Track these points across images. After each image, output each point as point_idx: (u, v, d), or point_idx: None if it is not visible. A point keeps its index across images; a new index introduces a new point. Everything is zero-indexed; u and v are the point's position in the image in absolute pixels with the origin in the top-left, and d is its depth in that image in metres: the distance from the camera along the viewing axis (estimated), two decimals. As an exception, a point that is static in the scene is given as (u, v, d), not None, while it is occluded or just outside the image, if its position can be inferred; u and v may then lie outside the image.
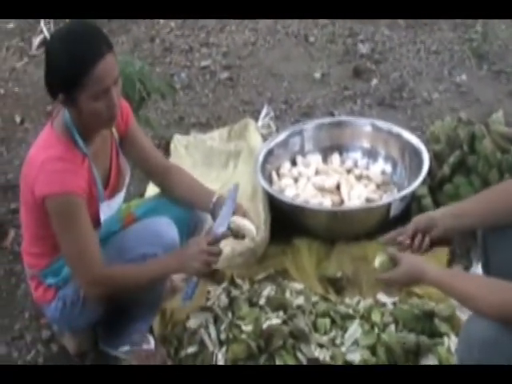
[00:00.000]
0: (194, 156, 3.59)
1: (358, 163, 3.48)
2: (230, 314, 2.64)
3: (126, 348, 2.61)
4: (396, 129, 3.44)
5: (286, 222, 3.13)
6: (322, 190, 3.28)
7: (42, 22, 4.95)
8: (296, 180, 3.36)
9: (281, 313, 2.60)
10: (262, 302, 2.66)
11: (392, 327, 2.58)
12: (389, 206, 3.07)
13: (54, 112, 2.41)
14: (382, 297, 2.75)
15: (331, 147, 3.53)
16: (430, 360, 2.45)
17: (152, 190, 3.09)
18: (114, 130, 2.48)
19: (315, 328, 2.59)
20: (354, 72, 4.39)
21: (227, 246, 2.72)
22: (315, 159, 3.47)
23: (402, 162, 3.39)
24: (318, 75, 4.42)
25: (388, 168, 3.44)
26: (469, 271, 2.86)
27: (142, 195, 3.23)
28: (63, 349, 2.72)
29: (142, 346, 2.60)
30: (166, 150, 3.64)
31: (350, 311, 2.67)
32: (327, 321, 2.62)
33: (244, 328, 2.53)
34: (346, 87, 4.27)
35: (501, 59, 4.41)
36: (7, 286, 3.06)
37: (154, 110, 4.08)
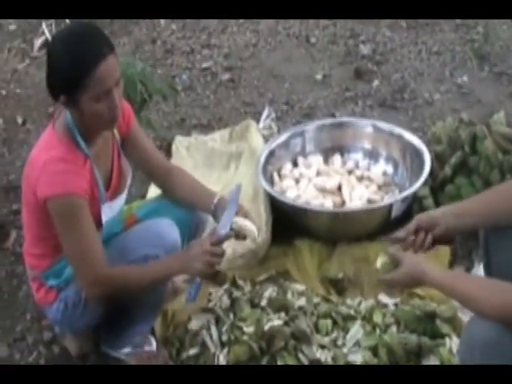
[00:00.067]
0: (195, 157, 3.60)
1: (359, 164, 3.48)
2: (231, 316, 2.64)
3: (127, 349, 2.62)
4: (397, 130, 3.44)
5: (288, 223, 3.13)
6: (323, 191, 3.28)
7: (44, 23, 4.95)
8: (297, 181, 3.36)
9: (282, 314, 2.60)
10: (263, 303, 2.67)
11: (393, 328, 2.58)
12: (390, 207, 3.07)
13: (55, 113, 2.42)
14: (384, 298, 2.76)
15: (332, 148, 3.53)
16: (432, 361, 2.45)
17: (153, 191, 3.09)
18: (115, 131, 2.48)
19: (317, 329, 2.59)
20: (356, 73, 4.39)
21: (228, 248, 2.72)
22: (316, 160, 3.47)
23: (403, 162, 3.39)
24: (319, 76, 4.42)
25: (389, 169, 3.44)
26: (470, 272, 2.86)
27: (143, 197, 3.23)
28: (65, 350, 2.72)
29: (143, 348, 2.61)
30: (168, 152, 3.64)
31: (352, 312, 2.67)
32: (329, 322, 2.62)
33: (246, 329, 2.53)
34: (347, 88, 4.27)
35: (502, 60, 4.41)
36: (9, 288, 3.05)
37: (156, 112, 4.08)
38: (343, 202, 3.24)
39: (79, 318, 2.51)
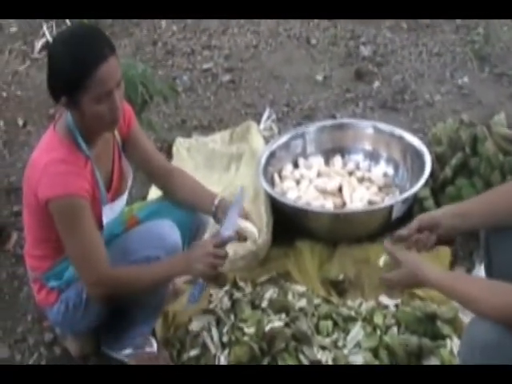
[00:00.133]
0: (196, 159, 3.60)
1: (359, 165, 3.48)
2: (232, 317, 2.64)
3: (128, 351, 2.62)
4: (398, 131, 3.44)
5: (288, 224, 3.13)
6: (323, 192, 3.28)
7: (45, 25, 4.96)
8: (298, 182, 3.36)
9: (283, 315, 2.60)
10: (264, 304, 2.67)
11: (394, 329, 2.58)
12: (391, 208, 3.07)
13: (56, 115, 2.42)
14: (384, 299, 2.75)
15: (333, 149, 3.53)
16: (433, 362, 2.45)
17: (154, 192, 3.09)
18: (116, 132, 2.48)
19: (317, 330, 2.59)
20: (356, 74, 4.39)
21: (229, 249, 2.72)
22: (317, 161, 3.47)
23: (403, 164, 3.39)
24: (319, 78, 4.42)
25: (390, 170, 3.44)
26: (471, 273, 2.86)
27: (144, 198, 3.24)
28: (66, 352, 2.72)
29: (144, 349, 2.61)
30: (169, 153, 3.65)
31: (352, 313, 2.67)
32: (329, 323, 2.62)
33: (246, 330, 2.53)
34: (347, 90, 4.28)
35: (503, 62, 4.41)
36: (10, 289, 3.06)
37: (157, 113, 4.09)
38: (344, 204, 3.24)
39: (80, 320, 2.51)
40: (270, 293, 2.73)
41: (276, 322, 2.54)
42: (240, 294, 2.74)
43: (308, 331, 2.52)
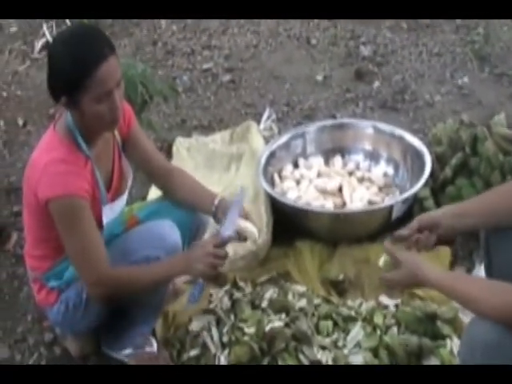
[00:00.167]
0: (196, 159, 3.60)
1: (360, 165, 3.48)
2: (232, 317, 2.64)
3: (128, 351, 2.62)
4: (398, 131, 3.44)
5: (288, 224, 3.13)
6: (324, 192, 3.28)
7: (45, 25, 4.96)
8: (298, 182, 3.36)
9: (283, 315, 2.60)
10: (264, 304, 2.67)
11: (394, 329, 2.58)
12: (391, 208, 3.07)
13: (56, 115, 2.42)
14: (385, 299, 2.75)
15: (333, 149, 3.53)
16: (433, 362, 2.44)
17: (154, 192, 3.09)
18: (116, 132, 2.48)
19: (317, 330, 2.59)
20: (356, 74, 4.39)
21: (229, 249, 2.72)
22: (317, 161, 3.47)
23: (404, 164, 3.39)
24: (320, 78, 4.42)
25: (390, 170, 3.44)
26: (471, 273, 2.86)
27: (144, 198, 3.24)
28: (66, 352, 2.72)
29: (144, 349, 2.61)
30: (168, 153, 3.64)
31: (353, 313, 2.67)
32: (329, 323, 2.62)
33: (246, 330, 2.53)
34: (347, 90, 4.28)
35: (503, 62, 4.41)
36: (10, 289, 3.06)
37: (157, 113, 4.09)
38: (344, 204, 3.24)
39: (80, 320, 2.51)
40: (270, 293, 2.73)
41: (276, 322, 2.54)
42: (240, 294, 2.74)
43: (308, 331, 2.52)
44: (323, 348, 2.52)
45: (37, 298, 2.59)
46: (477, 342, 1.92)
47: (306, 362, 2.45)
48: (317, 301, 2.73)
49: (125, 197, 2.56)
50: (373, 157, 3.49)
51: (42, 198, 2.27)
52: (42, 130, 3.49)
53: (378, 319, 2.62)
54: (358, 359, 2.48)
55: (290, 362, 2.44)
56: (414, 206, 3.13)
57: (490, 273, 2.29)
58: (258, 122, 3.85)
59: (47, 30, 4.92)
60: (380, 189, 3.32)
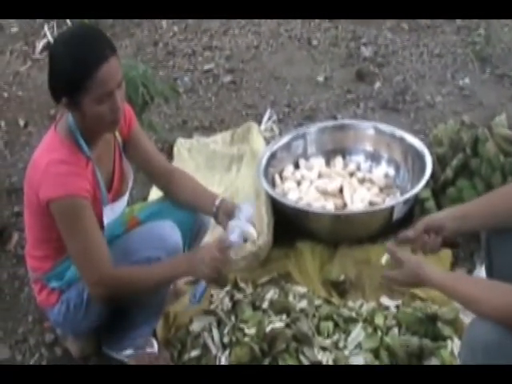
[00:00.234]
0: (197, 159, 3.60)
1: (360, 166, 3.48)
2: (233, 318, 2.64)
3: (129, 351, 2.62)
4: (399, 132, 3.44)
5: (289, 225, 3.13)
6: (324, 193, 3.28)
7: (46, 25, 4.96)
8: (299, 183, 3.36)
9: (284, 316, 2.60)
10: (265, 305, 2.67)
11: (395, 330, 2.58)
12: (392, 209, 3.07)
13: (57, 115, 2.42)
14: (385, 300, 2.76)
15: (334, 150, 3.53)
16: (433, 363, 2.44)
17: (155, 193, 3.09)
18: (117, 133, 2.48)
19: (318, 331, 2.59)
20: (357, 75, 4.39)
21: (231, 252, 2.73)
22: (318, 162, 3.47)
23: (404, 165, 3.39)
24: (320, 78, 4.42)
25: (391, 171, 3.44)
26: (472, 274, 2.86)
27: (145, 199, 3.24)
28: (66, 352, 2.72)
29: (145, 350, 2.61)
30: (169, 154, 3.65)
31: (353, 314, 2.67)
32: (330, 324, 2.62)
33: (247, 331, 2.53)
34: (348, 90, 4.28)
35: (504, 63, 4.41)
36: (11, 290, 3.06)
37: (158, 114, 4.09)
38: (345, 205, 3.24)
39: (81, 320, 2.51)
40: (271, 294, 2.73)
41: (277, 323, 2.54)
42: (241, 295, 2.74)
43: (309, 332, 2.52)
44: (324, 349, 2.52)
45: (38, 299, 2.59)
46: (477, 343, 1.92)
47: (306, 362, 2.45)
48: (317, 302, 2.73)
49: (125, 197, 2.56)
50: (374, 158, 3.49)
51: (44, 199, 2.27)
52: (43, 130, 3.48)
53: (379, 320, 2.62)
54: (358, 360, 2.48)
55: (291, 362, 2.44)
56: (414, 207, 3.13)
57: (490, 274, 2.29)
58: (259, 122, 3.85)
59: (48, 31, 4.92)
60: (381, 190, 3.32)
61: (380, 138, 3.49)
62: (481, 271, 2.72)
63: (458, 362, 2.28)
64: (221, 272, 2.40)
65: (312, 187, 3.31)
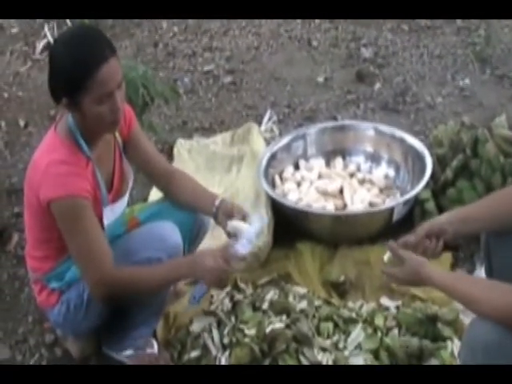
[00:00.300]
0: (197, 160, 3.60)
1: (360, 167, 3.48)
2: (233, 318, 2.64)
3: (129, 352, 2.62)
4: (399, 133, 3.44)
5: (289, 226, 3.13)
6: (324, 194, 3.28)
7: (46, 26, 4.96)
8: (299, 184, 3.36)
9: (284, 317, 2.60)
10: (265, 306, 2.67)
11: (395, 331, 2.58)
12: (392, 210, 3.07)
13: (57, 116, 2.42)
14: (385, 301, 2.76)
15: (334, 151, 3.53)
16: (433, 364, 2.44)
17: (155, 194, 3.09)
18: (117, 134, 2.48)
19: (318, 332, 2.59)
20: (357, 76, 4.39)
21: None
22: (318, 163, 3.47)
23: (405, 166, 3.39)
24: (321, 79, 4.42)
25: (391, 172, 3.44)
26: (472, 275, 2.86)
27: (145, 200, 3.24)
28: (66, 353, 2.72)
29: (145, 350, 2.61)
30: (169, 155, 3.65)
31: (353, 315, 2.67)
32: (330, 325, 2.62)
33: (247, 332, 2.53)
34: (349, 91, 4.28)
35: (504, 63, 4.41)
36: (11, 290, 3.06)
37: (158, 115, 4.09)
38: (345, 205, 3.24)
39: (81, 321, 2.51)
40: (271, 294, 2.73)
41: (277, 324, 2.54)
42: (241, 296, 2.74)
43: (309, 333, 2.52)
44: (324, 350, 2.52)
45: (38, 299, 2.59)
46: (477, 343, 1.92)
47: (306, 363, 2.45)
48: (317, 302, 2.73)
49: (126, 198, 2.57)
50: (374, 158, 3.49)
51: (44, 200, 2.28)
52: (43, 131, 3.49)
53: (379, 321, 2.62)
54: (358, 361, 2.48)
55: (291, 363, 2.43)
56: (414, 208, 3.13)
57: (490, 275, 2.29)
58: (259, 123, 3.85)
59: (48, 31, 4.92)
60: (381, 190, 3.32)
61: (380, 139, 3.49)
62: (481, 272, 2.72)
63: (457, 363, 2.28)
64: (222, 279, 2.40)
65: (312, 188, 3.31)
